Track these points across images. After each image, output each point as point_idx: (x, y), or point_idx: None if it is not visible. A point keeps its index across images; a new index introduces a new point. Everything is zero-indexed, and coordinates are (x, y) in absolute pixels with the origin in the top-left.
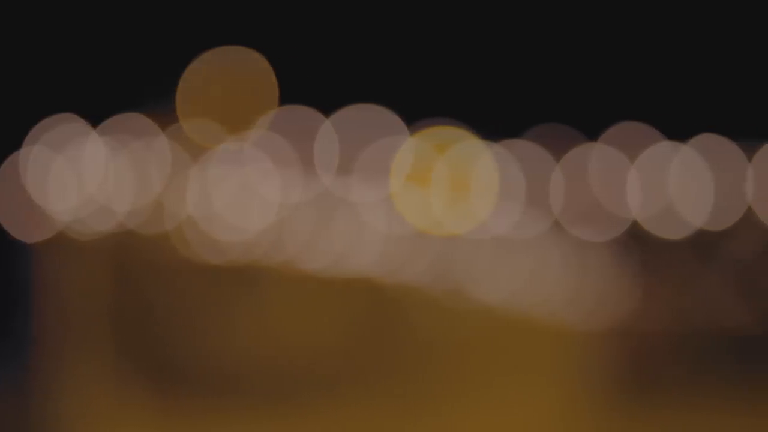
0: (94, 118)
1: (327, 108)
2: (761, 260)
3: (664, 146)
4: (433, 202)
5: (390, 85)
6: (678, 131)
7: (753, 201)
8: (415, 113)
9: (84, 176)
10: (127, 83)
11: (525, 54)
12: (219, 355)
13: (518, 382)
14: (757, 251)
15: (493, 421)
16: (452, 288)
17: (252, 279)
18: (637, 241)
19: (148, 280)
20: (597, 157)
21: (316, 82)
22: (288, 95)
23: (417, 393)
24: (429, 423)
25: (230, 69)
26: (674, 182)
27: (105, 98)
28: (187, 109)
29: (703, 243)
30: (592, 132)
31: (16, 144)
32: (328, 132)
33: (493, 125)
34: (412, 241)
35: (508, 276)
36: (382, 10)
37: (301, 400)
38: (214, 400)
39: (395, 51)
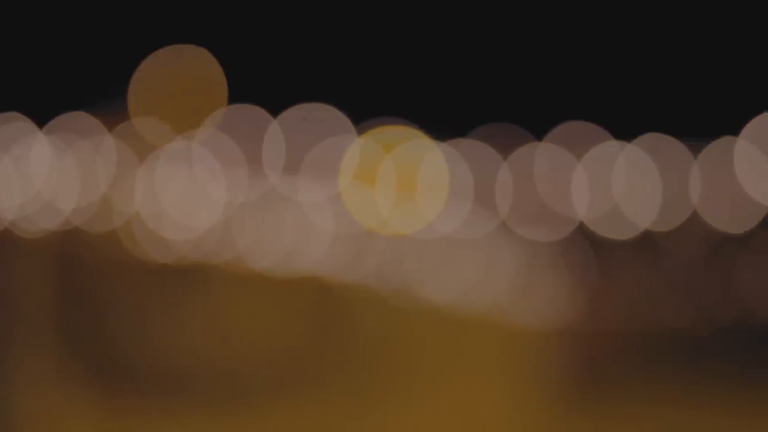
0: (41, 117)
1: (275, 107)
2: (707, 260)
3: (611, 145)
4: (380, 202)
5: (338, 85)
6: (624, 130)
7: (699, 202)
8: (364, 112)
9: (30, 174)
10: (75, 83)
11: (472, 54)
12: (167, 354)
13: (467, 382)
14: (702, 251)
15: (443, 420)
16: (400, 287)
17: (200, 277)
18: (584, 242)
19: (94, 278)
20: (544, 156)
21: (264, 81)
22: (237, 94)
23: (366, 392)
24: (378, 422)
25: (180, 68)
26: (621, 181)
27: (51, 98)
28: (137, 108)
29: (649, 243)
30: (538, 131)
31: None
32: (275, 131)
33: (441, 124)
34: (359, 241)
35: (456, 275)
36: (331, 11)
37: (250, 400)
38: (162, 400)
39: (344, 51)
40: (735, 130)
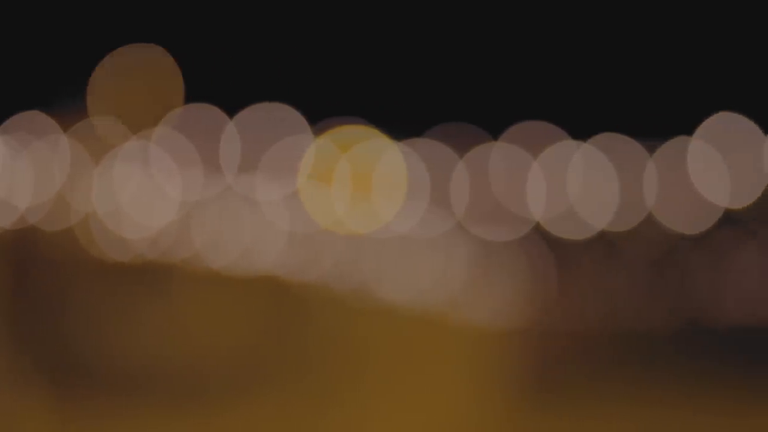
0: None
1: (232, 106)
2: (663, 261)
3: (567, 145)
4: (337, 201)
5: (295, 85)
6: (580, 130)
7: (654, 202)
8: (321, 112)
9: None
10: (30, 83)
11: (428, 53)
12: (124, 353)
13: (424, 381)
14: (659, 252)
15: (400, 419)
16: (357, 287)
17: (157, 276)
18: (541, 241)
19: (50, 276)
20: (500, 155)
21: (221, 81)
22: (193, 93)
23: (323, 391)
24: (336, 421)
25: (138, 68)
26: (577, 181)
27: (6, 98)
28: (94, 108)
29: (606, 244)
30: (495, 130)
31: None
32: (232, 131)
33: (398, 124)
34: (316, 240)
35: (412, 275)
36: (288, 12)
37: (207, 399)
38: (118, 400)
39: (300, 51)
40: (689, 129)
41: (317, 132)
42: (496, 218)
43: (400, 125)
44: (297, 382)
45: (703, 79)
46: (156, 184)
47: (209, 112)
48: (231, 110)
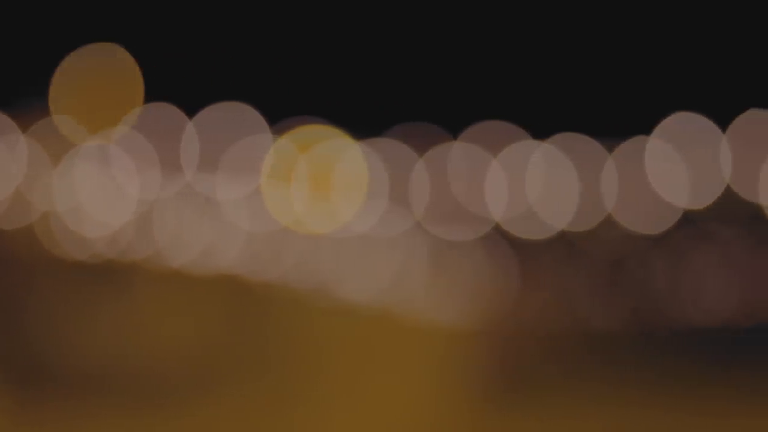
0: None
1: (191, 105)
2: (623, 261)
3: (527, 144)
4: (297, 201)
5: (255, 84)
6: (540, 129)
7: (613, 202)
8: (281, 111)
9: None
10: None
11: (388, 53)
12: (82, 352)
13: (383, 381)
14: (618, 252)
15: (359, 418)
16: (317, 286)
17: (116, 274)
18: (500, 241)
19: (8, 274)
20: (459, 154)
21: (180, 80)
22: (153, 92)
23: (283, 390)
24: (295, 420)
25: (98, 67)
26: (537, 180)
27: None
28: (54, 107)
29: (566, 243)
30: (455, 130)
31: None
32: (191, 130)
33: (358, 123)
34: (276, 239)
35: (371, 275)
36: (248, 11)
37: (166, 399)
38: (77, 400)
39: (261, 50)
40: (647, 128)
41: (278, 131)
42: (456, 218)
43: (361, 125)
44: (257, 381)
45: (661, 78)
46: (115, 183)
47: (169, 111)
48: (190, 109)
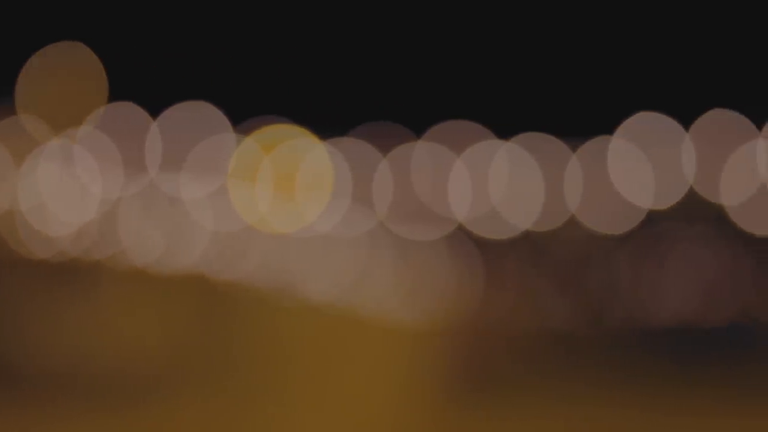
0: None
1: (156, 105)
2: (587, 260)
3: (491, 144)
4: (262, 200)
5: (220, 83)
6: (504, 128)
7: (577, 201)
8: (246, 111)
9: None
10: None
11: (351, 52)
12: (47, 352)
13: (348, 380)
14: (582, 251)
15: (324, 417)
16: (281, 286)
17: (80, 273)
18: (464, 240)
19: None
20: (423, 154)
21: (145, 79)
22: (117, 92)
23: (246, 389)
24: (258, 419)
25: (63, 67)
26: (501, 180)
27: None
28: (19, 106)
29: (530, 243)
30: (419, 129)
31: None
32: (155, 129)
33: (323, 123)
34: (241, 239)
35: (335, 274)
36: (213, 11)
37: (130, 398)
38: (40, 399)
39: (227, 50)
40: (610, 128)
41: (243, 131)
42: (419, 217)
43: (326, 124)
44: (222, 381)
45: (625, 78)
46: (79, 182)
47: (133, 110)
48: (154, 109)
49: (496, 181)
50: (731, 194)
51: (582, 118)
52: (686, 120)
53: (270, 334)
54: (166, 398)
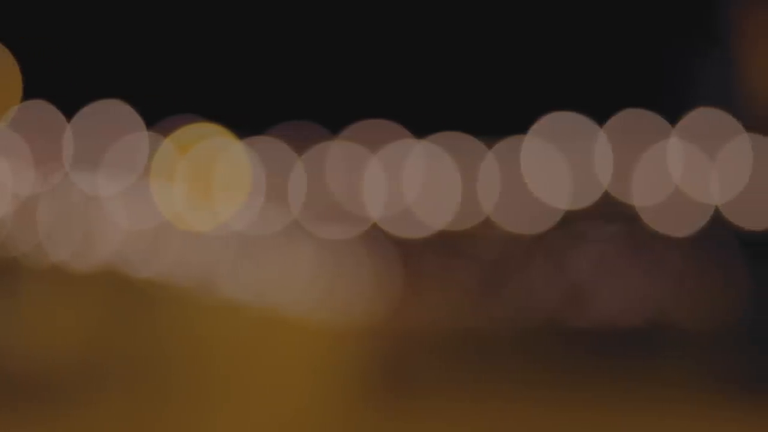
0: None
1: (70, 103)
2: (503, 260)
3: (407, 143)
4: (178, 198)
5: (138, 82)
6: (421, 127)
7: (493, 202)
8: (165, 109)
9: None
10: None
11: (271, 52)
12: None
13: (263, 378)
14: (498, 251)
15: (240, 416)
16: (196, 283)
17: None
18: (380, 240)
19: None
20: (339, 153)
21: (59, 78)
22: (31, 90)
23: (162, 388)
24: (174, 419)
25: None
26: (416, 179)
27: None
28: None
29: (446, 243)
30: (336, 128)
31: None
32: (70, 127)
33: (241, 122)
34: (156, 236)
35: (250, 272)
36: (129, 10)
37: (44, 397)
38: None
39: (145, 49)
40: (524, 127)
41: (160, 129)
42: (334, 216)
43: (244, 123)
44: (136, 378)
45: (541, 77)
46: None
47: (46, 109)
48: (69, 108)
49: (411, 180)
50: (644, 195)
51: (498, 117)
52: (601, 118)
53: (185, 331)
54: (81, 396)
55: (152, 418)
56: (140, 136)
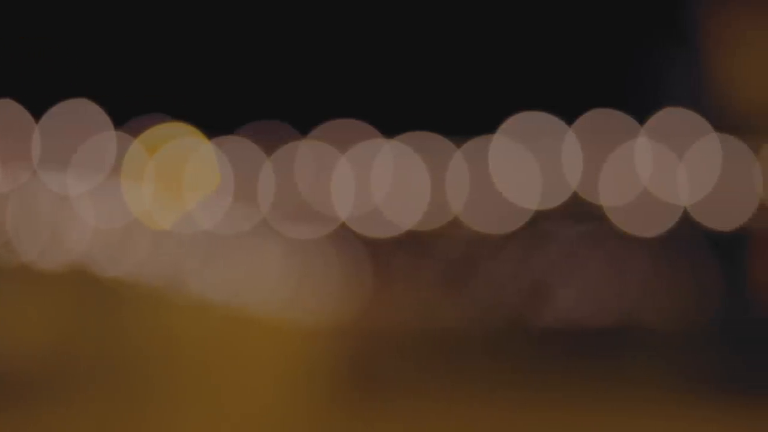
0: None
1: (39, 103)
2: (471, 260)
3: (376, 142)
4: (147, 197)
5: (107, 81)
6: (390, 127)
7: (461, 202)
8: (133, 109)
9: None
10: None
11: (240, 51)
12: None
13: (231, 378)
14: (466, 251)
15: (209, 416)
16: (166, 283)
17: None
18: (349, 239)
19: None
20: (308, 152)
21: (27, 77)
22: (1, 89)
23: (131, 387)
24: (143, 418)
25: None
26: (385, 179)
27: None
28: None
29: (414, 242)
30: (305, 128)
31: None
32: (39, 127)
33: (210, 121)
34: (125, 235)
35: (218, 271)
36: (99, 8)
37: (13, 396)
38: None
39: (115, 48)
40: (492, 127)
41: (129, 128)
42: (303, 215)
43: (213, 123)
44: (105, 378)
45: (510, 77)
46: None
47: (15, 108)
48: (37, 107)
49: (380, 179)
50: (613, 195)
51: (467, 116)
52: (570, 118)
53: (154, 330)
54: (49, 396)
55: (122, 417)
56: (109, 135)
